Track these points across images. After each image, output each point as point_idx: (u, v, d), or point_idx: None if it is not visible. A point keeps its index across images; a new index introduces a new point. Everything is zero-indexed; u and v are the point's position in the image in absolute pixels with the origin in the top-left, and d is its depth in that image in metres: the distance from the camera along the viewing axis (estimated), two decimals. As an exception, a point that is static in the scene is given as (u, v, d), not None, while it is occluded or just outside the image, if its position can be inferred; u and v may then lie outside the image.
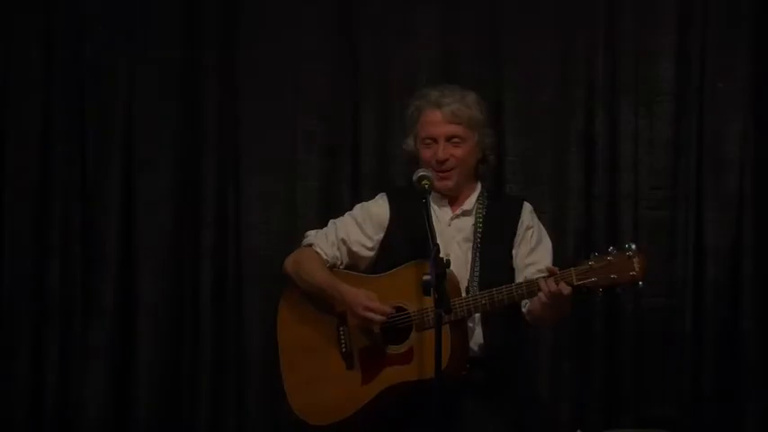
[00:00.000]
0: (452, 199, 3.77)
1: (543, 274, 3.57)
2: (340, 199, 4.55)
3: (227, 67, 4.61)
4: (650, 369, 4.48)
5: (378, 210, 3.79)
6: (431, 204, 3.58)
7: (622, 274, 3.39)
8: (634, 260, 3.39)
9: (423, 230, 3.57)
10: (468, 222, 3.73)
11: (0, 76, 4.62)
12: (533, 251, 3.74)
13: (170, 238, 4.63)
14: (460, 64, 4.56)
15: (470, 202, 3.75)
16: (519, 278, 3.69)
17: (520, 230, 3.74)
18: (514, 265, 3.73)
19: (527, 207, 3.80)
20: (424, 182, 3.56)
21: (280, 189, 4.60)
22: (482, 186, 3.80)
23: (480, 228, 3.70)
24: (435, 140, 3.69)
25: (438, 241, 3.42)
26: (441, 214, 3.74)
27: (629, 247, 3.42)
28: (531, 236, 3.75)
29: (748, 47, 4.49)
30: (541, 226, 3.81)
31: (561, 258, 4.46)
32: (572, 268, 3.45)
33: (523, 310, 3.66)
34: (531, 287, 3.49)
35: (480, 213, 3.73)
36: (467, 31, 4.57)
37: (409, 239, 3.66)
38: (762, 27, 4.48)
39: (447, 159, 3.68)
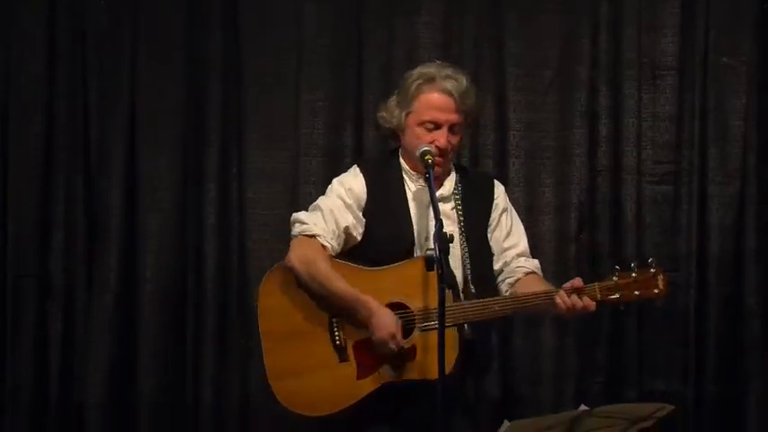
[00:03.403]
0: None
1: (523, 258, 3.66)
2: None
3: (230, 42, 4.59)
4: (654, 344, 4.49)
5: (358, 187, 3.63)
6: (406, 182, 3.61)
7: (646, 291, 3.49)
8: (659, 278, 3.49)
9: (400, 207, 3.58)
10: (448, 207, 3.62)
11: (4, 55, 4.60)
12: (510, 235, 3.71)
13: (174, 213, 4.61)
14: (464, 39, 4.54)
15: (449, 187, 3.66)
16: (497, 263, 3.68)
17: (494, 214, 3.69)
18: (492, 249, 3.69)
19: (500, 187, 3.75)
20: (427, 157, 3.49)
21: (283, 164, 4.59)
22: (453, 168, 3.72)
23: (461, 214, 3.61)
24: (439, 126, 3.56)
25: (416, 222, 3.43)
26: (420, 196, 3.64)
27: (651, 263, 3.50)
28: (506, 219, 3.71)
29: (752, 21, 4.48)
30: (512, 206, 3.77)
31: (564, 233, 4.51)
32: (596, 284, 3.50)
33: (506, 293, 3.64)
34: (550, 298, 3.49)
35: (457, 197, 3.65)
36: (470, 6, 4.55)
37: (387, 216, 3.60)
38: (766, 1, 4.47)
39: (447, 147, 3.58)
